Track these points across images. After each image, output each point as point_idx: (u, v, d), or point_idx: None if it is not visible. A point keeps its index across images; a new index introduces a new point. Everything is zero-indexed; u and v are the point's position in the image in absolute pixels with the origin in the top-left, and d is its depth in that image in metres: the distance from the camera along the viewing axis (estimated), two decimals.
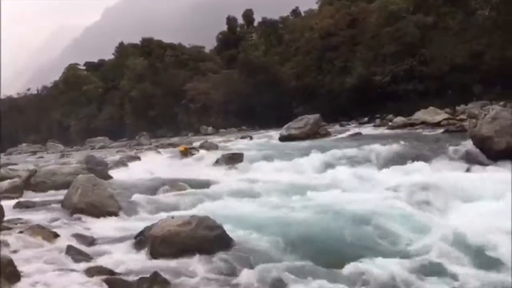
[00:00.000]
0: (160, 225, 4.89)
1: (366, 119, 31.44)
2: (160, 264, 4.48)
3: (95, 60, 75.68)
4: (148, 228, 5.04)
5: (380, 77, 35.06)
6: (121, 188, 8.93)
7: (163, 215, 5.92)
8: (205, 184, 9.52)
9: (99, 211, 6.64)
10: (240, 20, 62.85)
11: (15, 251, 4.63)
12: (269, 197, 7.34)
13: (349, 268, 4.21)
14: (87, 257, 4.68)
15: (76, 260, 4.55)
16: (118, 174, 11.36)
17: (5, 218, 5.79)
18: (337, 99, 39.03)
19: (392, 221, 5.47)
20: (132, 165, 14.11)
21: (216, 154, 13.31)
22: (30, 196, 8.62)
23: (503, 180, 7.21)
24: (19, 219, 6.07)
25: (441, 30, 34.02)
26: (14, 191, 8.50)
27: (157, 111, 56.74)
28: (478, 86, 30.10)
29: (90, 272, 4.14)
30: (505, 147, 8.62)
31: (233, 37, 60.81)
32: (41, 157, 24.50)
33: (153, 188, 9.07)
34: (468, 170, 8.65)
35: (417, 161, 9.50)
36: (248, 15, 62.49)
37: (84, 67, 74.63)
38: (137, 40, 68.95)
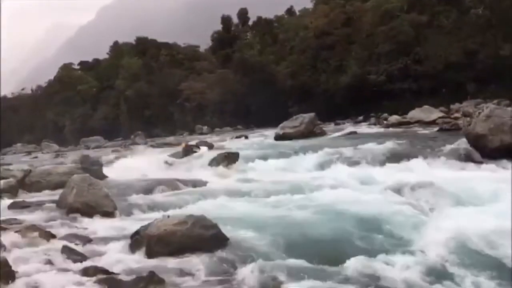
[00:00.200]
0: (156, 224, 4.88)
1: (361, 118, 31.49)
2: (156, 263, 4.48)
3: (90, 60, 75.44)
4: (144, 228, 5.03)
5: (375, 76, 35.18)
6: (116, 188, 8.91)
7: (159, 214, 5.92)
8: (201, 184, 9.52)
9: (94, 210, 6.63)
10: (235, 20, 62.86)
11: (10, 251, 4.62)
12: (264, 197, 7.34)
13: (346, 267, 4.22)
14: (83, 257, 4.67)
15: (72, 260, 4.54)
16: (113, 174, 11.34)
17: (0, 218, 5.77)
18: (332, 98, 39.10)
19: (388, 220, 5.49)
20: (128, 164, 14.08)
21: (216, 152, 13.29)
22: (25, 196, 8.60)
23: (498, 178, 7.28)
24: (14, 219, 6.05)
25: (435, 29, 34.15)
26: (9, 191, 8.47)
27: (152, 111, 56.63)
28: (473, 85, 30.25)
29: (86, 272, 4.13)
30: (499, 145, 8.67)
31: (228, 36, 60.77)
32: (36, 157, 24.38)
33: (148, 187, 9.05)
34: (462, 168, 8.69)
35: (412, 159, 9.54)
36: (242, 14, 62.49)
37: (78, 67, 74.38)
38: (132, 39, 68.88)
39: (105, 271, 4.18)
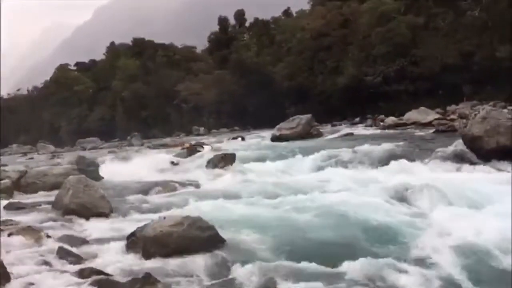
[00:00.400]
0: (152, 225, 4.87)
1: (357, 119, 31.57)
2: (152, 265, 4.47)
3: (86, 60, 75.34)
4: (140, 229, 5.02)
5: (371, 78, 35.26)
6: (112, 189, 8.89)
7: (155, 216, 5.90)
8: (197, 185, 9.52)
9: (90, 212, 6.61)
10: (232, 21, 62.93)
11: (5, 252, 4.59)
12: (261, 198, 7.32)
13: (344, 270, 4.21)
14: (79, 258, 4.65)
15: (67, 261, 4.52)
16: (109, 175, 11.30)
17: None
18: (329, 99, 39.19)
19: (385, 222, 5.49)
20: (124, 165, 14.06)
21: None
22: (20, 197, 8.56)
23: (494, 180, 7.30)
24: (10, 220, 6.01)
25: (432, 31, 34.27)
26: (4, 192, 8.44)
27: (148, 112, 56.61)
28: (469, 86, 30.35)
29: (82, 273, 4.11)
30: (495, 146, 8.68)
31: (225, 37, 60.85)
32: (32, 158, 24.32)
33: (145, 188, 9.04)
34: (458, 169, 8.70)
35: (409, 161, 9.55)
36: (239, 15, 62.56)
37: (75, 68, 74.25)
38: (128, 40, 68.88)
39: (100, 273, 4.16)
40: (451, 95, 28.94)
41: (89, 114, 63.76)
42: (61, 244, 4.98)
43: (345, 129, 22.53)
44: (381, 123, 23.11)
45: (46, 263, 4.44)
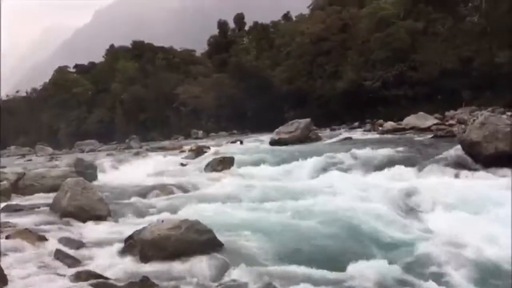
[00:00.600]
0: (150, 229, 4.86)
1: (356, 123, 31.56)
2: (150, 268, 4.46)
3: (85, 63, 75.31)
4: (137, 232, 5.01)
5: (370, 82, 35.27)
6: (110, 192, 8.89)
7: (153, 219, 5.89)
8: (195, 188, 9.51)
9: (88, 214, 6.59)
10: (231, 24, 63.02)
11: (2, 255, 4.58)
12: (259, 202, 7.32)
13: (343, 274, 4.21)
14: (76, 261, 4.64)
15: (65, 264, 4.51)
16: (107, 178, 11.30)
17: None
18: (328, 103, 39.22)
19: (384, 226, 5.49)
20: (122, 168, 14.08)
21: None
22: (18, 199, 8.54)
23: (492, 185, 7.30)
24: (7, 222, 6.00)
25: (431, 36, 34.31)
26: (2, 195, 8.41)
27: (147, 115, 56.55)
28: (468, 92, 30.36)
29: (79, 276, 4.10)
30: (494, 152, 8.68)
31: (224, 41, 60.92)
32: (30, 160, 24.30)
33: (143, 191, 9.04)
34: (457, 175, 8.71)
35: (407, 166, 9.55)
36: (239, 19, 62.66)
37: (74, 70, 74.19)
38: (128, 43, 68.87)
39: (98, 276, 4.16)
40: (450, 101, 28.95)
41: (87, 116, 63.63)
42: (58, 247, 4.97)
43: (344, 134, 22.53)
44: (380, 128, 23.10)
45: (43, 265, 4.43)
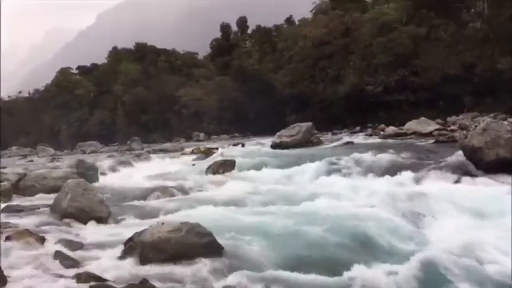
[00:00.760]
0: (150, 231, 4.86)
1: (358, 128, 31.55)
2: (149, 270, 4.45)
3: (88, 64, 75.44)
4: (137, 234, 5.01)
5: (372, 87, 35.27)
6: (111, 194, 8.90)
7: (153, 221, 5.88)
8: (196, 191, 9.51)
9: (88, 216, 6.59)
10: (234, 27, 63.14)
11: (2, 256, 4.58)
12: (260, 205, 7.32)
13: (341, 278, 4.20)
14: (76, 263, 4.64)
15: (65, 266, 4.51)
16: (108, 179, 11.30)
17: None
18: (329, 107, 39.22)
19: (385, 231, 5.47)
20: (123, 170, 14.10)
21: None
22: (19, 200, 8.55)
23: (493, 192, 7.28)
24: (7, 223, 6.00)
25: (433, 42, 34.31)
26: (2, 195, 8.42)
27: (149, 116, 56.61)
28: (469, 98, 30.34)
29: (79, 278, 4.10)
30: (495, 158, 8.67)
31: (226, 44, 61.05)
32: (31, 160, 24.33)
33: (143, 194, 9.03)
34: (458, 181, 8.69)
35: (408, 171, 9.53)
36: (242, 22, 62.83)
37: (76, 71, 74.33)
38: (130, 45, 69.01)
39: (97, 277, 4.15)
40: (452, 106, 28.93)
41: (89, 118, 63.70)
42: (58, 248, 4.97)
43: (345, 138, 22.53)
44: (382, 133, 23.09)
45: (43, 266, 4.42)
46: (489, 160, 8.75)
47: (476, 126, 9.31)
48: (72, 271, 4.33)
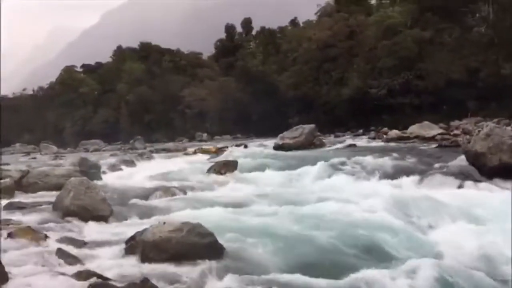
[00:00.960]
0: (151, 230, 4.86)
1: (361, 131, 31.53)
2: (150, 270, 4.45)
3: (92, 63, 75.63)
4: (139, 233, 5.01)
5: (376, 90, 35.26)
6: (113, 192, 8.89)
7: (155, 220, 5.89)
8: (198, 191, 9.51)
9: (90, 214, 6.60)
10: (239, 28, 63.23)
11: (4, 252, 4.59)
12: (262, 207, 7.31)
13: (344, 281, 4.19)
14: (77, 261, 4.64)
15: (66, 263, 4.51)
16: (111, 178, 11.32)
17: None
18: (333, 110, 39.22)
19: (387, 236, 5.46)
20: (126, 169, 14.12)
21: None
22: (21, 197, 8.57)
23: (496, 197, 7.27)
24: (10, 220, 6.02)
25: (438, 46, 34.28)
26: (5, 192, 8.44)
27: (153, 116, 56.72)
28: (473, 102, 30.31)
29: (80, 276, 4.10)
30: (498, 164, 8.66)
31: (231, 45, 61.17)
32: (34, 158, 24.38)
33: (145, 193, 9.03)
34: (460, 186, 8.68)
35: (410, 175, 9.52)
36: (246, 23, 62.91)
37: (81, 69, 74.51)
38: (135, 44, 69.18)
39: (98, 276, 4.15)
40: (455, 110, 28.90)
41: (93, 116, 63.86)
42: (60, 246, 4.97)
43: (348, 140, 22.49)
44: (385, 136, 23.06)
45: (44, 264, 4.43)
46: (492, 165, 8.73)
47: (479, 131, 9.29)
48: (73, 269, 4.34)
